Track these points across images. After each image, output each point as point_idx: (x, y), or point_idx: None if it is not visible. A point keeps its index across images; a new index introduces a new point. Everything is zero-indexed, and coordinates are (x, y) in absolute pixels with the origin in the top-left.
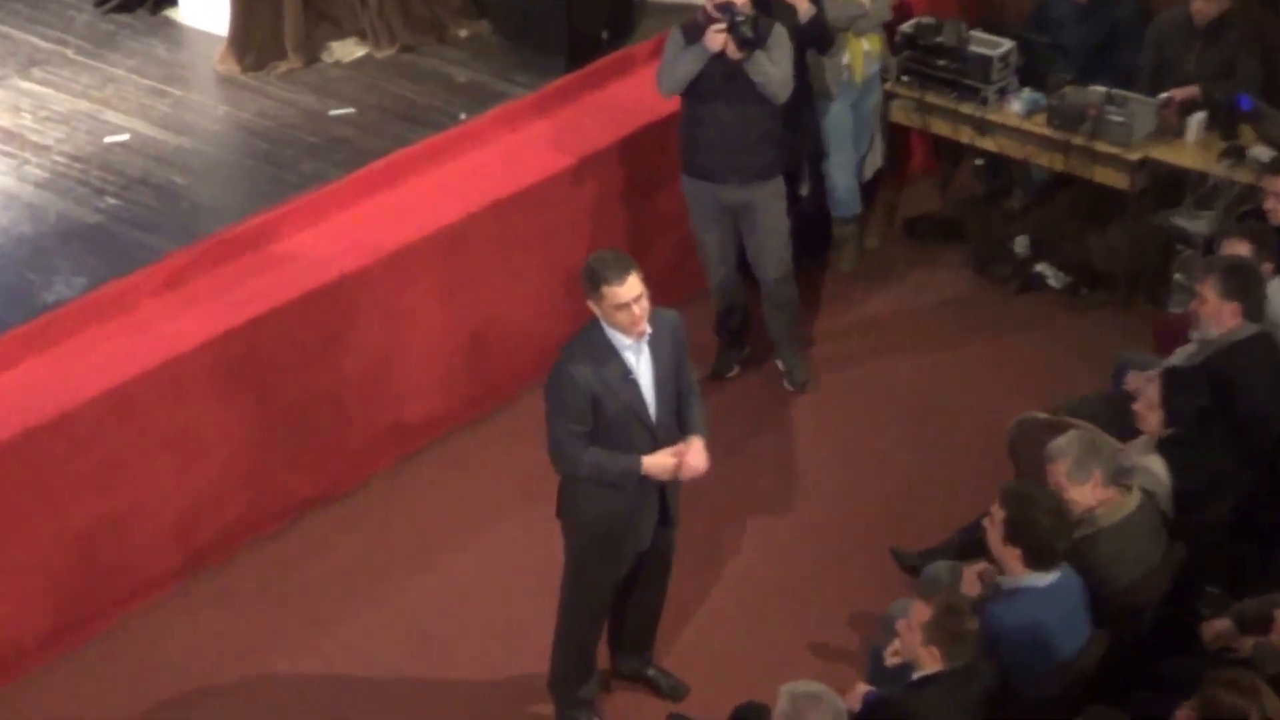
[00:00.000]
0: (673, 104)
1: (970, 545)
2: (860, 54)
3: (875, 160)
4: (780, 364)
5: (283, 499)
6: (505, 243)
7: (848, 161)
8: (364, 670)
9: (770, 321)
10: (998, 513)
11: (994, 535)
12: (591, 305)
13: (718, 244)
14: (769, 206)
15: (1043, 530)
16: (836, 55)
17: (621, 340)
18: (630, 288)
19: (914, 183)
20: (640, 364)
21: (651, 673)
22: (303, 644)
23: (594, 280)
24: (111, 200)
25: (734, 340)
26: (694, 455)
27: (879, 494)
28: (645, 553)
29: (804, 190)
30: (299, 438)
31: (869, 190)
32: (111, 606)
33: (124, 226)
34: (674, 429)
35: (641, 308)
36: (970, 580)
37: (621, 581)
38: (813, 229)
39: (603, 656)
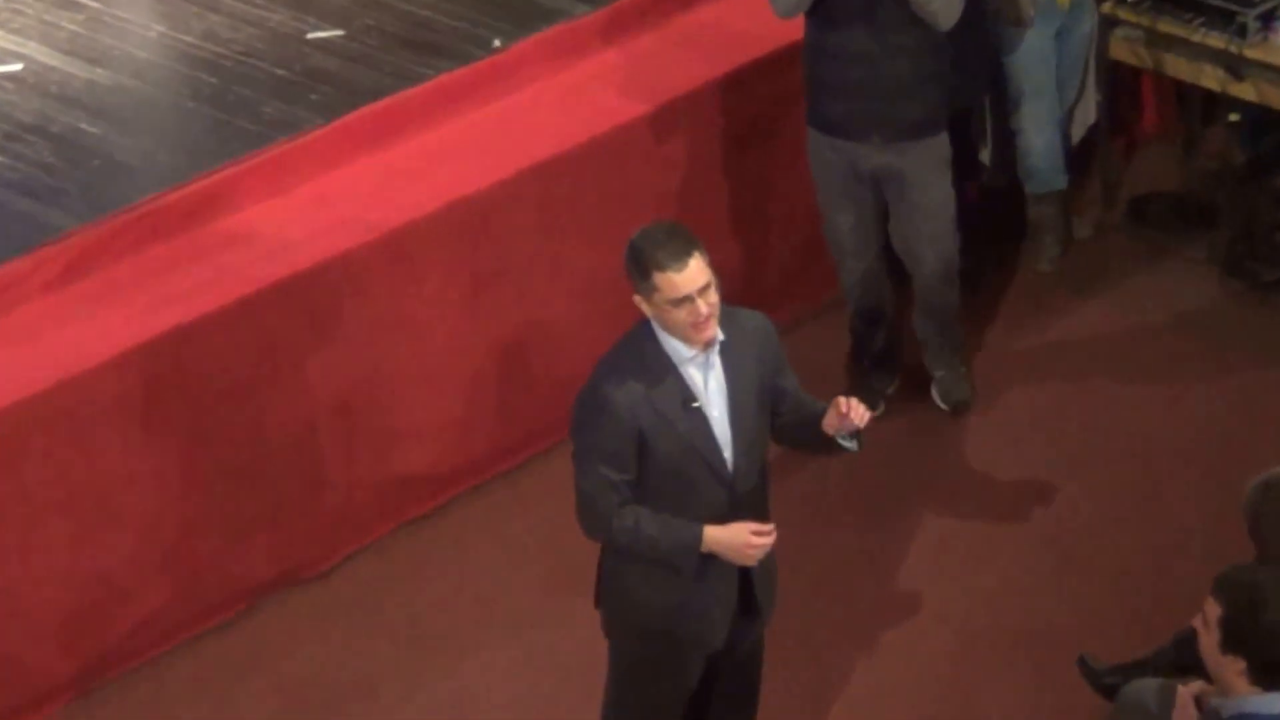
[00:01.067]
0: (795, 29)
1: (1190, 656)
2: None
3: (1087, 115)
4: (932, 371)
5: (225, 584)
6: (550, 223)
7: (1048, 116)
8: None
9: (922, 326)
10: (1212, 609)
11: (1207, 640)
12: (640, 301)
13: (853, 227)
14: (926, 176)
15: (1278, 635)
16: None
17: (681, 351)
18: (693, 275)
19: (1144, 148)
20: (709, 385)
21: None
22: None
23: (642, 265)
24: None
25: (878, 366)
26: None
27: (1060, 576)
28: (720, 655)
29: (984, 156)
30: (249, 496)
31: (1079, 157)
32: None
33: (8, 192)
34: (760, 482)
35: (709, 303)
36: (1186, 704)
37: (688, 699)
38: (998, 211)
39: None
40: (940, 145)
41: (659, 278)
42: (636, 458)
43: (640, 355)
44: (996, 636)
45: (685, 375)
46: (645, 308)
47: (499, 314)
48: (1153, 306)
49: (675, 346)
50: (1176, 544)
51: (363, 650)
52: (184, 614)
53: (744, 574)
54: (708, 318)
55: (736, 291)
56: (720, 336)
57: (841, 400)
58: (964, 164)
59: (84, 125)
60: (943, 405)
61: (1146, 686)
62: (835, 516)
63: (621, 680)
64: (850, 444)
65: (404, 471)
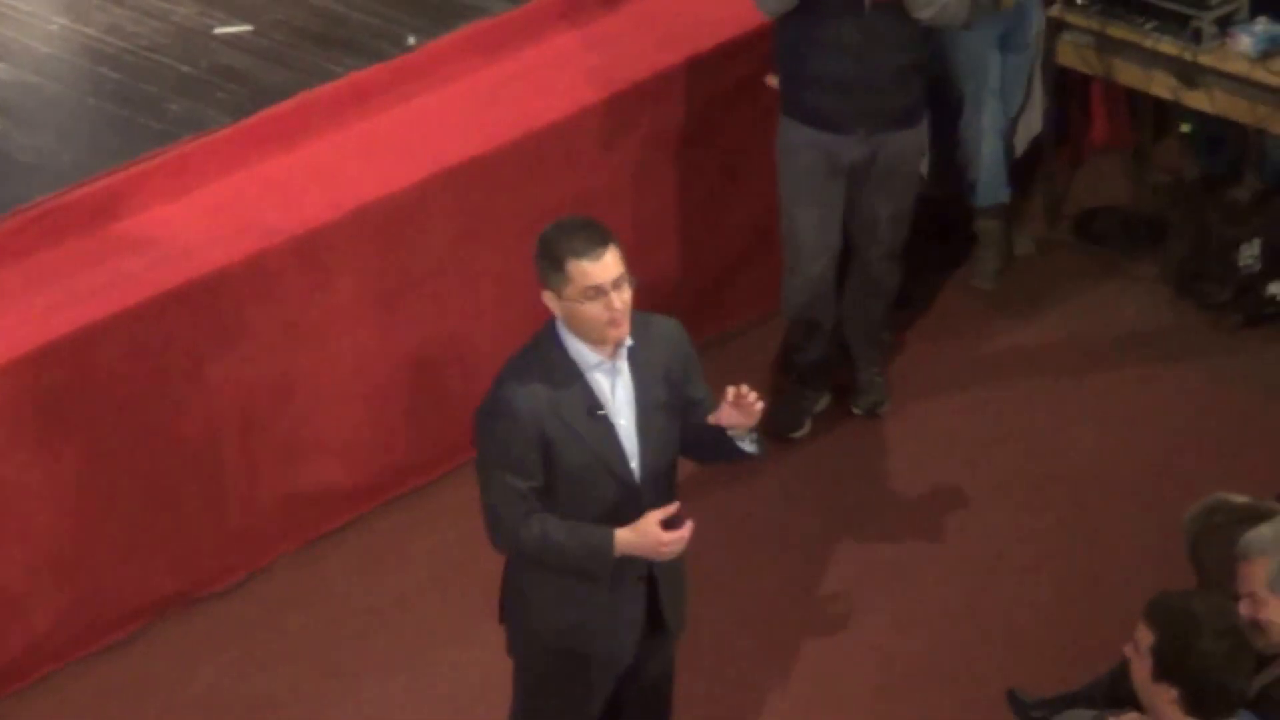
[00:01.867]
0: (723, 29)
1: (1125, 689)
2: None
3: (1033, 124)
4: (854, 374)
5: (122, 600)
6: (466, 229)
7: (992, 124)
8: None
9: (853, 315)
10: (1145, 636)
11: (1139, 668)
12: (548, 299)
13: (818, 223)
14: (904, 164)
15: (1212, 663)
16: None
17: (587, 356)
18: (607, 265)
19: (1092, 159)
20: (617, 392)
21: None
22: None
23: (554, 254)
24: None
25: (808, 382)
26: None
27: (988, 605)
28: (628, 676)
29: (922, 166)
30: (149, 509)
31: (1024, 169)
32: None
33: None
34: (669, 493)
35: (622, 300)
36: None
37: None
38: (938, 224)
39: None
40: (921, 134)
41: (572, 266)
42: (542, 465)
43: (545, 360)
44: (922, 666)
45: (592, 382)
46: (555, 305)
47: (412, 324)
48: (1097, 326)
49: (582, 352)
50: (1112, 571)
51: (263, 671)
52: (82, 630)
53: (651, 591)
54: (621, 314)
55: (655, 305)
56: (629, 341)
57: (730, 389)
58: None
59: None
60: (856, 410)
61: (1079, 718)
62: (755, 538)
63: (526, 700)
64: (750, 446)
65: (310, 487)
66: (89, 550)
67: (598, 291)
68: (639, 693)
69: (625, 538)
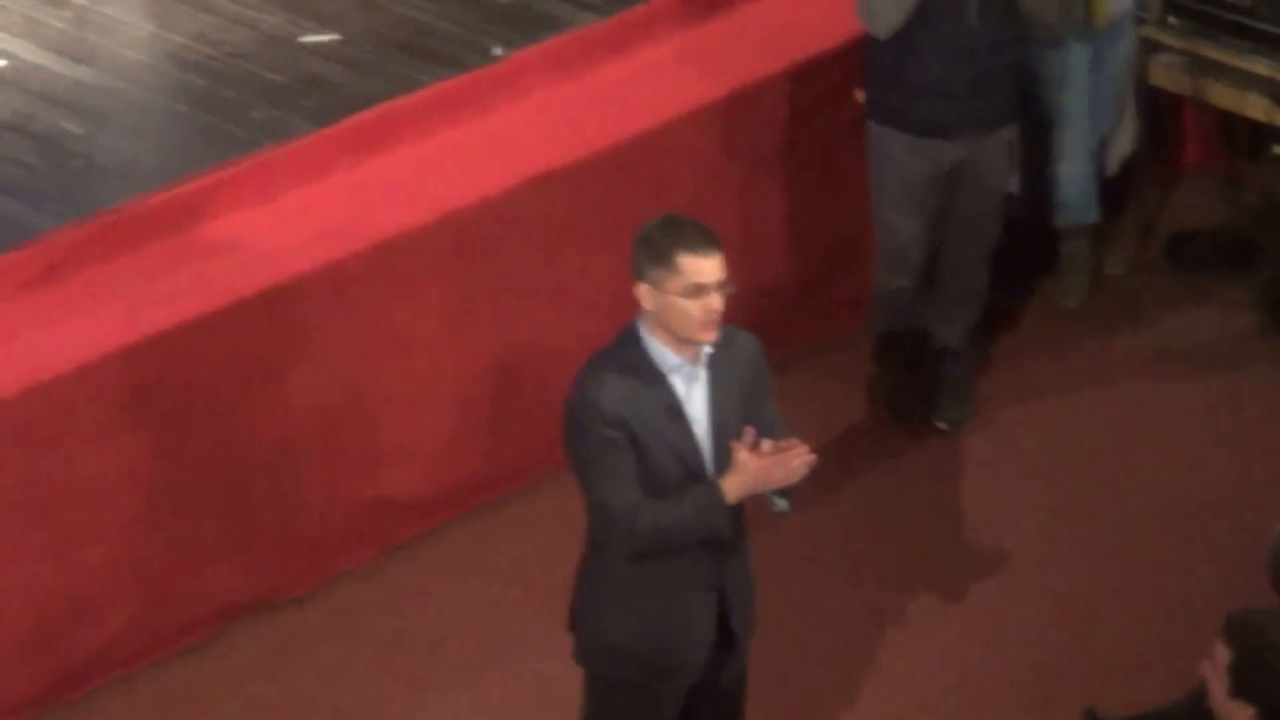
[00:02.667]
0: (812, 45)
1: (1205, 707)
2: None
3: (1124, 145)
4: (938, 388)
5: (196, 604)
6: (548, 240)
7: (1081, 145)
8: None
9: (939, 321)
10: (1222, 654)
11: (1216, 686)
12: (643, 292)
13: (920, 231)
14: (996, 161)
15: None
16: None
17: (669, 358)
18: (716, 266)
19: (1184, 182)
20: (693, 396)
21: None
22: None
23: (663, 248)
24: None
25: (907, 367)
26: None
27: (1069, 625)
28: (700, 684)
29: (1012, 185)
30: (226, 514)
31: (1114, 190)
32: None
33: None
34: (738, 504)
35: (720, 303)
36: None
37: None
38: (1024, 244)
39: None
40: (1012, 131)
41: (684, 260)
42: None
43: (627, 360)
44: (998, 687)
45: (671, 384)
46: (649, 300)
47: (492, 333)
48: (1185, 350)
49: (664, 353)
50: (1192, 592)
51: (336, 678)
52: (153, 633)
53: (721, 599)
54: (716, 316)
55: (740, 318)
56: (709, 349)
57: (783, 443)
58: None
59: (67, 125)
60: (941, 423)
61: None
62: (834, 556)
63: (596, 710)
64: (780, 503)
65: (389, 495)
66: (164, 553)
67: (701, 290)
68: (711, 703)
69: (731, 482)
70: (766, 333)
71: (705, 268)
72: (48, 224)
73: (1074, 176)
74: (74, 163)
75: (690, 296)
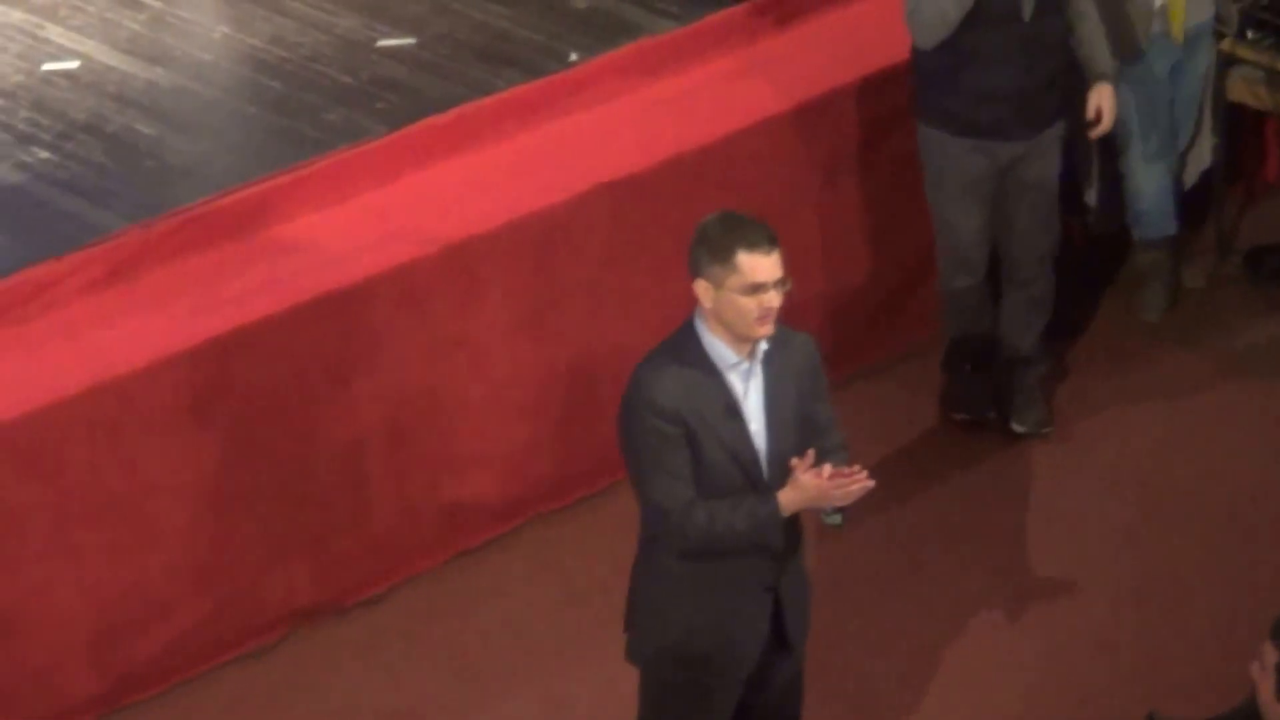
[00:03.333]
0: (888, 54)
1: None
2: None
3: (1202, 158)
4: (1012, 395)
5: (263, 607)
6: (621, 246)
7: (1159, 158)
8: None
9: (1014, 330)
10: (1270, 654)
11: (1264, 687)
12: (701, 288)
13: (979, 229)
14: (1048, 153)
15: None
16: None
17: (726, 356)
18: (775, 264)
19: (1265, 196)
20: (750, 396)
21: None
22: None
23: (722, 245)
24: (42, 153)
25: (975, 369)
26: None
27: (1140, 632)
28: (755, 689)
29: (1090, 197)
30: (294, 516)
31: (1193, 203)
32: None
33: (57, 190)
34: None
35: (778, 300)
36: None
37: None
38: (1103, 256)
39: None
40: (1062, 126)
41: (743, 258)
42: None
43: (684, 357)
44: (1065, 693)
45: (727, 382)
46: (707, 297)
47: (564, 339)
48: (1263, 364)
49: (721, 351)
50: (1267, 607)
51: (405, 682)
52: (221, 635)
53: (776, 600)
54: (772, 312)
55: (813, 330)
56: (765, 346)
57: (844, 469)
58: (1069, 204)
59: (139, 126)
60: (1020, 428)
61: None
62: (904, 563)
63: (651, 709)
64: (834, 517)
65: (457, 499)
66: (231, 555)
67: (759, 288)
68: (765, 706)
69: (788, 497)
70: (840, 344)
71: (764, 265)
72: (118, 224)
73: (1152, 189)
74: (146, 163)
75: (748, 294)
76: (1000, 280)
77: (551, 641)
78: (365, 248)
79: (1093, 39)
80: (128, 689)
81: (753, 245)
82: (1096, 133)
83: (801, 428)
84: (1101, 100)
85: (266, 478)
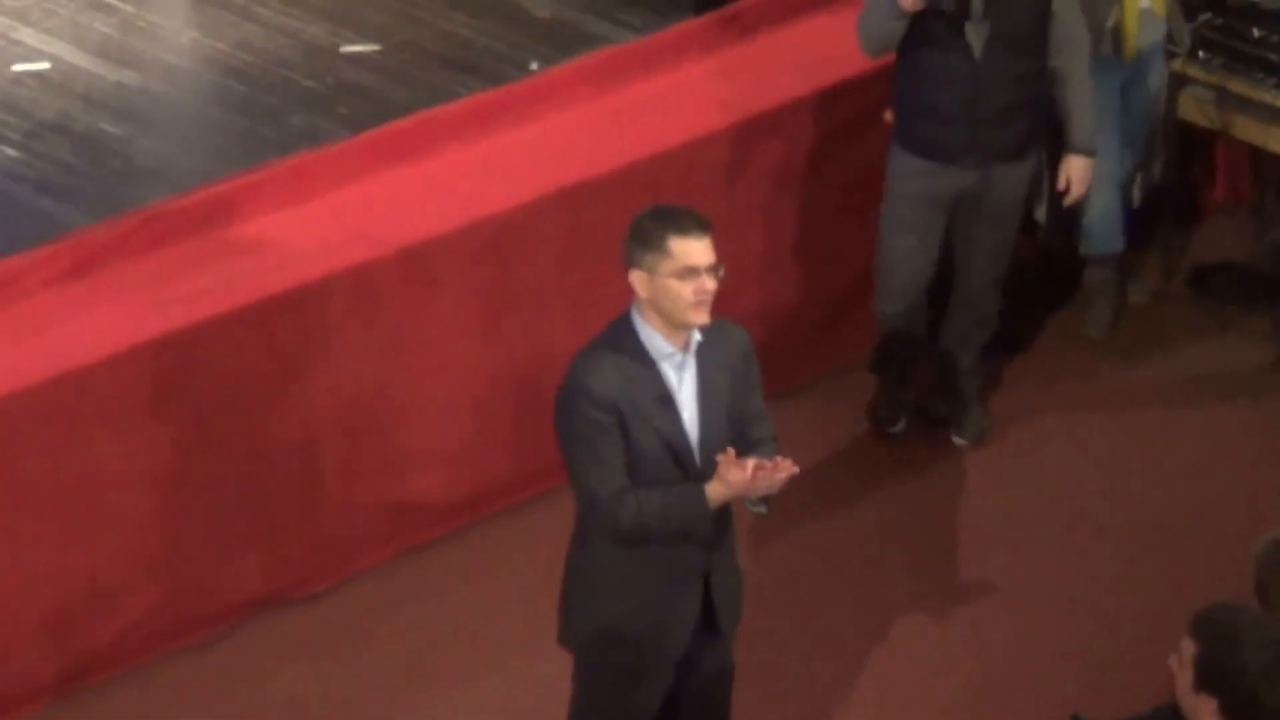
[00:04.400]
0: (851, 64)
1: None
2: (1134, 12)
3: (1152, 176)
4: (944, 409)
5: (214, 597)
6: (575, 251)
7: (1108, 175)
8: None
9: (955, 343)
10: (1188, 647)
11: (1182, 680)
12: (636, 278)
13: (913, 250)
14: (1009, 196)
15: (1251, 673)
16: (1098, 10)
17: (660, 346)
18: (706, 249)
19: (1211, 215)
20: (683, 386)
21: None
22: None
23: (655, 233)
24: (10, 151)
25: (906, 376)
26: (776, 466)
27: (1061, 629)
28: (685, 674)
29: (1040, 213)
30: (246, 509)
31: (1141, 220)
32: None
33: (22, 188)
34: None
35: (711, 285)
36: None
37: None
38: (1051, 272)
39: None
40: (1029, 168)
41: (675, 243)
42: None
43: (619, 347)
44: (990, 691)
45: (661, 372)
46: (641, 286)
47: (516, 341)
48: (1206, 380)
49: (656, 341)
50: (1183, 605)
51: (352, 675)
52: (171, 624)
53: (706, 587)
54: (707, 296)
55: (756, 340)
56: (698, 338)
57: (767, 462)
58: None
59: (107, 126)
60: (961, 440)
61: None
62: (839, 561)
63: (583, 692)
64: (759, 507)
65: (408, 497)
66: (183, 545)
67: (693, 272)
68: (696, 694)
69: (714, 490)
70: (781, 356)
71: (696, 249)
72: (84, 221)
73: (1101, 206)
74: (112, 163)
75: (683, 279)
76: (941, 295)
77: (498, 638)
78: (323, 248)
79: (1073, 105)
80: (79, 674)
81: (684, 230)
82: (1065, 203)
83: (734, 418)
84: (1072, 173)
85: (220, 470)
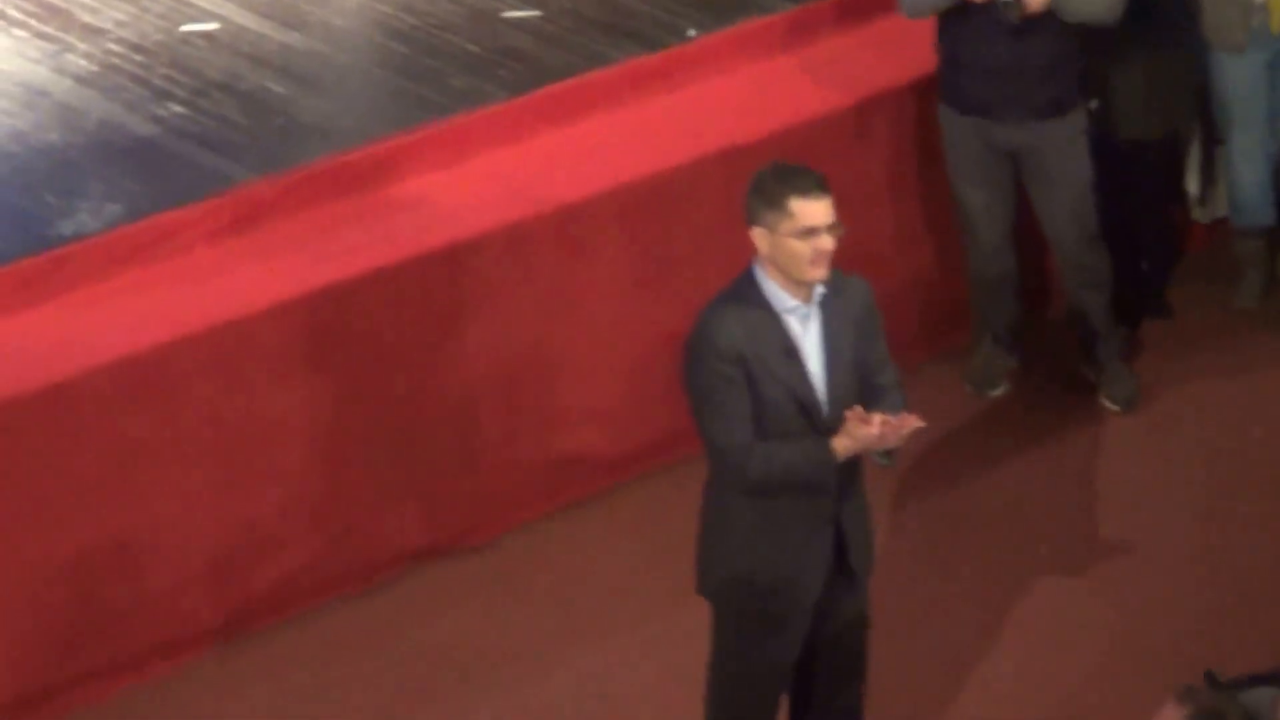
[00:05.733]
0: None
1: None
2: None
3: None
4: (1091, 373)
5: (373, 547)
6: (730, 213)
7: (1257, 147)
8: None
9: (1076, 307)
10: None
11: None
12: (759, 235)
13: (985, 203)
14: (1064, 149)
15: None
16: None
17: (784, 299)
18: (826, 209)
19: None
20: (808, 336)
21: None
22: None
23: (776, 192)
24: (177, 108)
25: (1002, 339)
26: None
27: (1203, 589)
28: (821, 617)
29: (1191, 185)
30: (405, 461)
31: None
32: (115, 671)
33: (188, 144)
34: None
35: (829, 244)
36: None
37: (792, 674)
38: (1200, 243)
39: None
40: (1077, 120)
41: (796, 203)
42: (749, 393)
43: (744, 301)
44: (1135, 654)
45: (786, 324)
46: (763, 242)
47: (670, 302)
48: None
49: (779, 294)
50: None
51: (507, 625)
52: (332, 573)
53: (838, 534)
54: (825, 254)
55: (898, 314)
56: (821, 289)
57: (892, 417)
58: (1171, 193)
59: (271, 85)
60: (1112, 406)
61: (1261, 695)
62: (986, 516)
63: (723, 638)
64: (884, 459)
65: (563, 453)
66: (342, 495)
67: (812, 231)
68: (832, 642)
69: (841, 443)
70: (922, 328)
71: (815, 210)
72: (247, 177)
73: (1251, 180)
74: (276, 121)
75: (801, 238)
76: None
77: (650, 592)
78: (480, 207)
79: None
80: (242, 620)
81: (804, 191)
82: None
83: (859, 367)
84: None
85: (378, 423)
